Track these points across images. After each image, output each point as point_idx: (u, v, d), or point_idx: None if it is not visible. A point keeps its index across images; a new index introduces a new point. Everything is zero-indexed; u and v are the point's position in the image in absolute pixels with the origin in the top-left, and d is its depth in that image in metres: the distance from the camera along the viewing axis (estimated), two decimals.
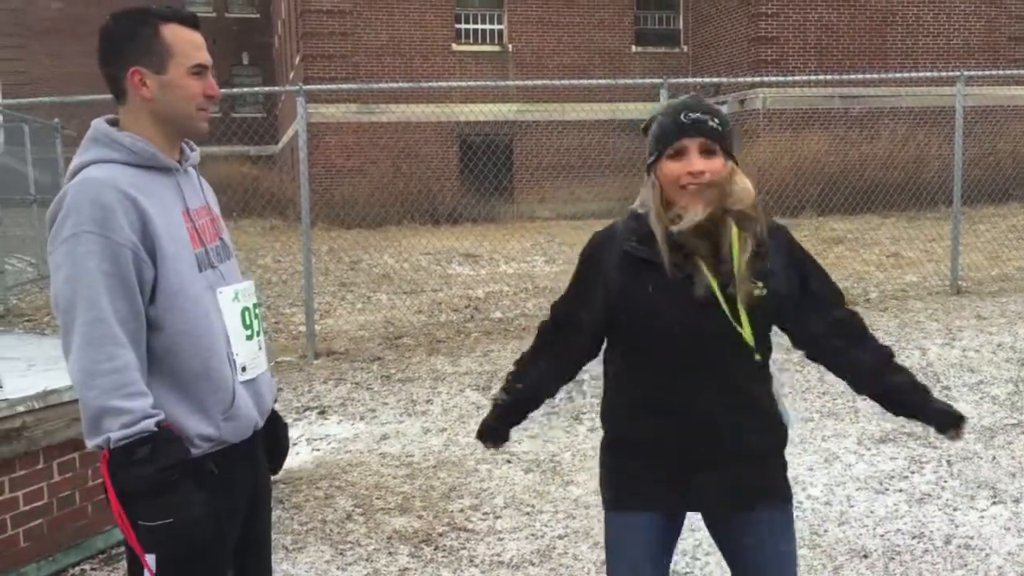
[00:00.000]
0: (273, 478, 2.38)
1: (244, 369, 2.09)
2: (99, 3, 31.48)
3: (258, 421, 2.15)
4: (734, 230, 2.07)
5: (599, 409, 2.35)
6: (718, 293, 2.08)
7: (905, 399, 2.23)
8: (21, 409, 3.62)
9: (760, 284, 2.09)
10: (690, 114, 2.12)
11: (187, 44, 2.04)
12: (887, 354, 2.24)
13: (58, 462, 3.79)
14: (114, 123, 2.08)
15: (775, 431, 2.23)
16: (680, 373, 2.13)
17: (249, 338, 2.13)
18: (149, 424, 1.88)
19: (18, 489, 3.64)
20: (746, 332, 2.09)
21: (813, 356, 2.30)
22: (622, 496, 2.25)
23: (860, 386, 2.28)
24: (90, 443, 1.90)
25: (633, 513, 2.23)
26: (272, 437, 2.29)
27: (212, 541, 1.99)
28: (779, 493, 2.23)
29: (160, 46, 2.01)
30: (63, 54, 34.56)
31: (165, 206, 2.02)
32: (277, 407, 2.33)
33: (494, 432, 2.45)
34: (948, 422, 2.19)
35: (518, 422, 2.46)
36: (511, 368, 2.43)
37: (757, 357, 2.12)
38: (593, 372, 2.41)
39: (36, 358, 4.41)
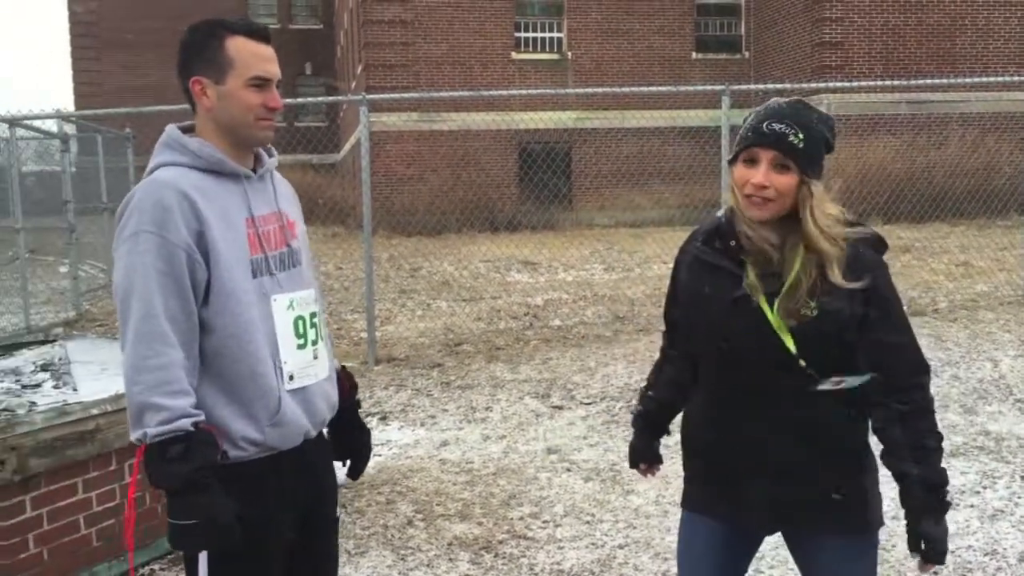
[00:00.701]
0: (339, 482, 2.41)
1: (292, 378, 2.09)
2: (171, 16, 32.35)
3: (309, 430, 2.14)
4: (801, 252, 1.99)
5: None
6: (765, 306, 2.01)
7: (904, 500, 2.04)
8: (95, 412, 3.72)
9: (813, 304, 1.98)
10: (773, 124, 1.99)
11: (252, 57, 2.07)
12: (924, 446, 2.01)
13: (129, 463, 3.88)
14: (188, 129, 2.14)
15: (832, 454, 2.07)
16: (729, 383, 2.10)
17: (301, 347, 2.13)
18: (185, 424, 1.90)
19: (91, 490, 3.75)
20: (788, 340, 1.99)
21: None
22: (688, 496, 2.28)
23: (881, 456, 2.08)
24: (131, 436, 1.95)
25: (696, 514, 2.24)
26: (354, 442, 2.32)
27: (255, 546, 2.00)
28: (846, 518, 2.09)
29: (222, 57, 2.06)
30: (136, 65, 35.53)
31: (227, 211, 2.06)
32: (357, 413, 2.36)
33: (642, 453, 2.43)
34: (919, 549, 2.06)
35: (662, 433, 2.44)
36: (644, 381, 2.45)
37: (802, 363, 1.98)
38: None
39: (108, 362, 4.53)
